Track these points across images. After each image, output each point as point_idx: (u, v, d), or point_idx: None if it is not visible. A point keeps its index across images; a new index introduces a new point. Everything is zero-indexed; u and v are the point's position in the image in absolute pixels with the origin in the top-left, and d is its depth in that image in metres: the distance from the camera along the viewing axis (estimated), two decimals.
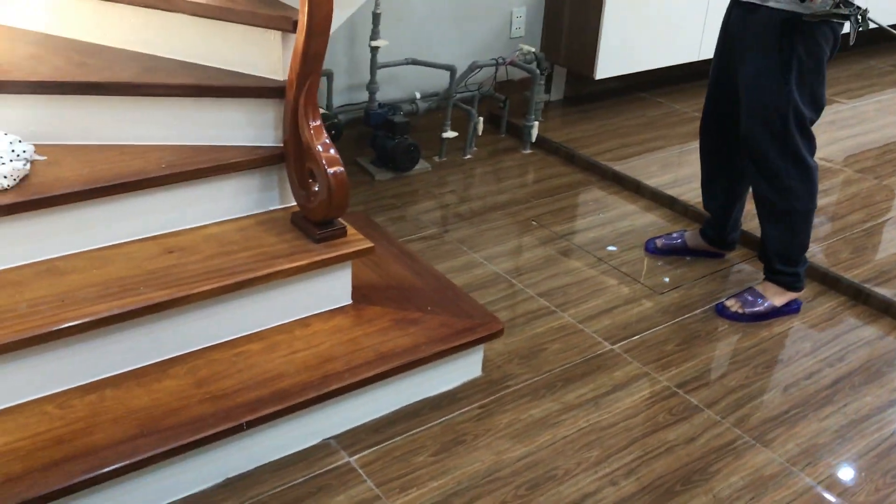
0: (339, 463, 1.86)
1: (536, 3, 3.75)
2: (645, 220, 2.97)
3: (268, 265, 1.90)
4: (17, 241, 1.82)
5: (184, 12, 2.02)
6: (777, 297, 2.44)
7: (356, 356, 1.93)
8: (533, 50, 3.45)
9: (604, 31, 3.51)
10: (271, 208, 2.12)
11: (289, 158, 2.01)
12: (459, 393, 2.08)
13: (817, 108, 2.26)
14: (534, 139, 3.47)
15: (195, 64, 2.09)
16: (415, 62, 3.30)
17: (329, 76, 3.17)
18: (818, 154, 2.35)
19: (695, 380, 2.18)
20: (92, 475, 1.57)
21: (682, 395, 2.13)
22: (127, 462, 1.61)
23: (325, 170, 1.90)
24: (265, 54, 2.03)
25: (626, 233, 2.88)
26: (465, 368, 2.11)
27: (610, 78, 3.71)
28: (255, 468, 1.82)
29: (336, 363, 1.90)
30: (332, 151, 1.92)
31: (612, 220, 2.96)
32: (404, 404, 2.02)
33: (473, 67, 3.32)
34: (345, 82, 3.32)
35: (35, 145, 1.91)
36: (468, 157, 3.39)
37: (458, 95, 3.34)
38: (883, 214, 3.05)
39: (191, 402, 1.76)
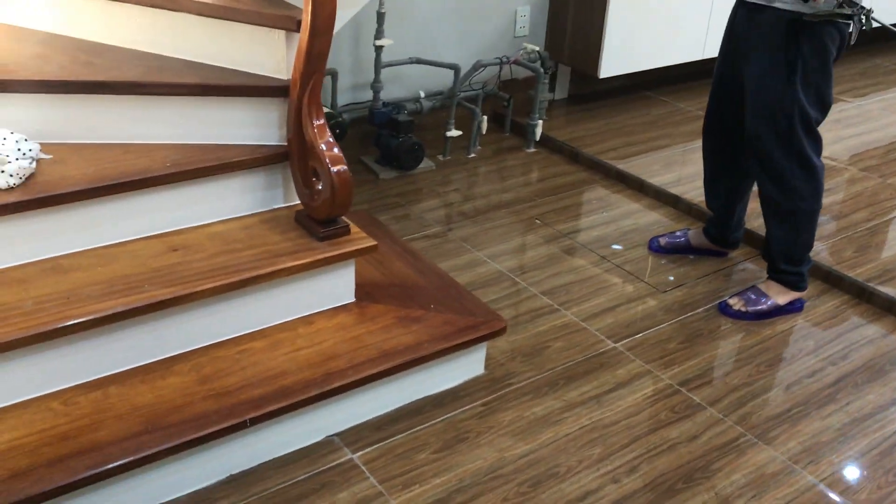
0: (342, 460, 1.87)
1: (540, 1, 3.75)
2: (648, 219, 2.97)
3: (271, 263, 1.91)
4: (23, 239, 1.83)
5: (189, 12, 2.03)
6: (780, 296, 2.45)
7: (359, 354, 1.94)
8: (537, 49, 3.46)
9: (608, 29, 3.51)
10: (275, 207, 2.13)
11: (293, 157, 2.02)
12: (462, 390, 2.09)
13: (824, 109, 2.25)
14: (538, 138, 3.47)
15: (200, 63, 2.10)
16: (419, 61, 3.31)
17: (334, 75, 3.18)
18: (822, 153, 2.35)
19: (697, 378, 2.19)
20: (96, 471, 1.59)
21: (684, 392, 2.13)
22: (131, 458, 1.62)
23: (329, 168, 1.90)
24: (269, 54, 2.03)
25: (629, 231, 2.88)
26: (468, 366, 2.12)
27: (614, 76, 3.72)
28: (259, 465, 1.84)
29: (339, 361, 1.91)
30: (336, 150, 1.93)
31: (615, 219, 2.96)
32: (407, 402, 2.03)
33: (477, 66, 3.33)
34: (349, 81, 3.33)
35: (41, 144, 1.92)
36: (472, 155, 3.39)
37: (462, 94, 3.34)
38: (887, 213, 3.04)
39: (195, 399, 1.77)
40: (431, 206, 2.98)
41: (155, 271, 1.85)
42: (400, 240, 2.52)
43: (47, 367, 1.73)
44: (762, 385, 2.17)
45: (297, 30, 1.90)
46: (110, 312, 1.72)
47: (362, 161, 3.26)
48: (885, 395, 2.15)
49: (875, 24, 2.15)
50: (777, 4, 2.14)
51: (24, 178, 1.81)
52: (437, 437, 1.95)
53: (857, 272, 2.63)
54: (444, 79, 3.41)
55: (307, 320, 2.03)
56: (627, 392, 2.12)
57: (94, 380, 1.79)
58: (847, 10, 2.08)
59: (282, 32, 1.99)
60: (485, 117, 3.37)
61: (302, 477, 1.82)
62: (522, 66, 3.43)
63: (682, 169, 3.32)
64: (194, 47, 2.10)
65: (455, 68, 3.28)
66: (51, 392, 1.75)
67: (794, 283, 2.45)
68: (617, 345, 2.30)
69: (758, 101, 2.25)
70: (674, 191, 3.09)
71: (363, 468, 1.85)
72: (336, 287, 2.07)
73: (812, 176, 2.30)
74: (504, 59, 3.39)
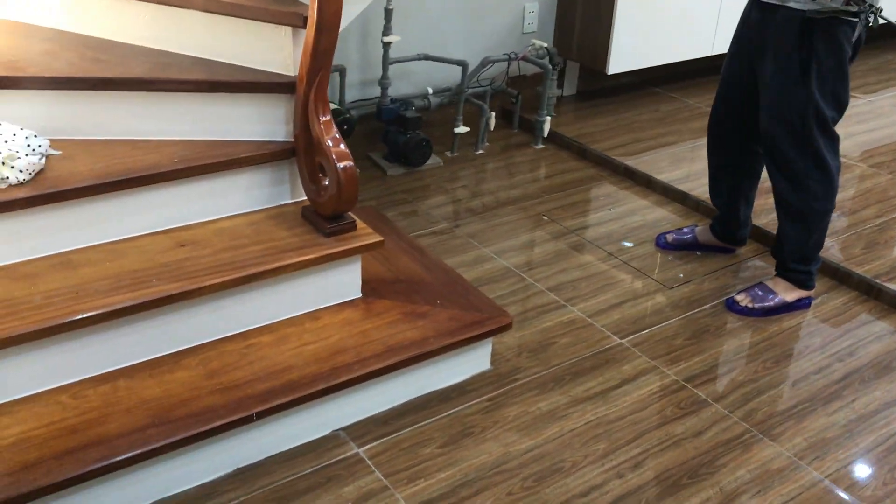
0: (348, 454, 1.88)
1: None
2: (656, 215, 2.97)
3: (278, 259, 1.92)
4: (32, 234, 1.85)
5: (196, 8, 2.04)
6: (788, 294, 2.44)
7: (365, 349, 1.95)
8: (545, 45, 3.45)
9: (616, 25, 3.51)
10: (282, 203, 2.14)
11: (299, 153, 2.03)
12: (468, 386, 2.10)
13: (840, 108, 2.24)
14: (546, 134, 3.47)
15: (207, 60, 2.11)
16: (427, 58, 3.31)
17: (342, 72, 3.19)
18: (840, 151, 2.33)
19: (703, 374, 2.19)
20: (104, 464, 1.60)
21: (690, 388, 2.13)
22: (139, 451, 1.63)
23: (335, 164, 1.91)
24: (276, 50, 2.04)
25: (637, 228, 2.88)
26: (474, 361, 2.13)
27: (623, 73, 3.71)
28: (265, 458, 1.85)
29: (345, 355, 1.92)
30: (342, 146, 1.94)
31: (623, 215, 2.96)
32: (413, 396, 2.04)
33: (486, 63, 3.33)
34: (357, 78, 3.34)
35: (50, 140, 1.94)
36: (480, 152, 3.40)
37: (471, 91, 3.35)
38: None
39: (202, 392, 1.78)
40: (439, 203, 2.99)
41: (163, 266, 1.86)
42: (407, 236, 2.53)
43: (56, 361, 1.75)
44: (768, 381, 2.17)
45: (304, 26, 1.91)
46: (118, 307, 1.73)
47: (370, 157, 3.27)
48: (892, 392, 2.15)
49: (882, 21, 2.14)
50: (791, 4, 2.12)
51: (33, 174, 1.83)
52: (442, 432, 1.95)
53: (865, 269, 2.63)
54: (452, 75, 3.42)
55: (314, 315, 2.04)
56: (633, 388, 2.13)
57: (102, 374, 1.81)
58: (853, 8, 2.07)
59: (288, 29, 2.00)
60: (493, 114, 3.38)
61: (308, 470, 1.83)
62: (530, 62, 3.43)
63: (690, 165, 3.31)
64: (201, 44, 2.12)
65: (463, 65, 3.28)
66: (60, 385, 1.77)
67: (803, 282, 2.44)
68: (623, 341, 2.30)
69: (773, 102, 2.24)
70: (682, 187, 3.08)
71: (369, 462, 1.86)
72: (342, 283, 2.08)
73: (826, 176, 2.29)
74: (512, 56, 3.39)
